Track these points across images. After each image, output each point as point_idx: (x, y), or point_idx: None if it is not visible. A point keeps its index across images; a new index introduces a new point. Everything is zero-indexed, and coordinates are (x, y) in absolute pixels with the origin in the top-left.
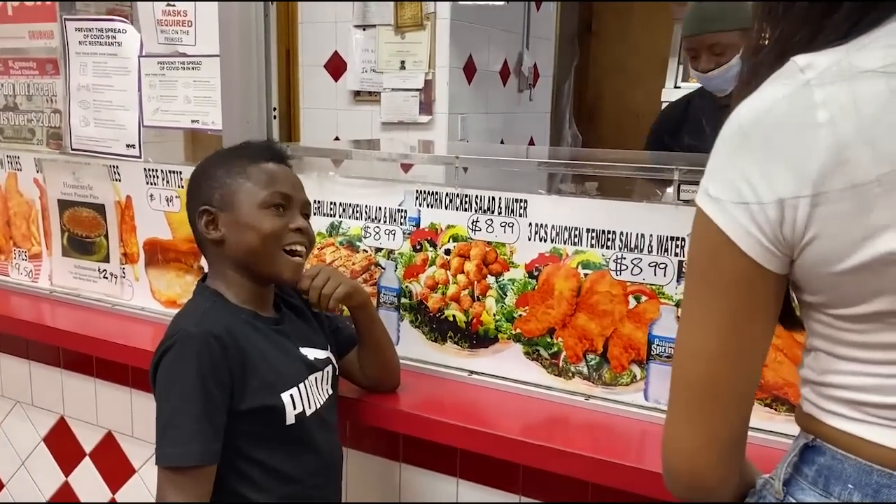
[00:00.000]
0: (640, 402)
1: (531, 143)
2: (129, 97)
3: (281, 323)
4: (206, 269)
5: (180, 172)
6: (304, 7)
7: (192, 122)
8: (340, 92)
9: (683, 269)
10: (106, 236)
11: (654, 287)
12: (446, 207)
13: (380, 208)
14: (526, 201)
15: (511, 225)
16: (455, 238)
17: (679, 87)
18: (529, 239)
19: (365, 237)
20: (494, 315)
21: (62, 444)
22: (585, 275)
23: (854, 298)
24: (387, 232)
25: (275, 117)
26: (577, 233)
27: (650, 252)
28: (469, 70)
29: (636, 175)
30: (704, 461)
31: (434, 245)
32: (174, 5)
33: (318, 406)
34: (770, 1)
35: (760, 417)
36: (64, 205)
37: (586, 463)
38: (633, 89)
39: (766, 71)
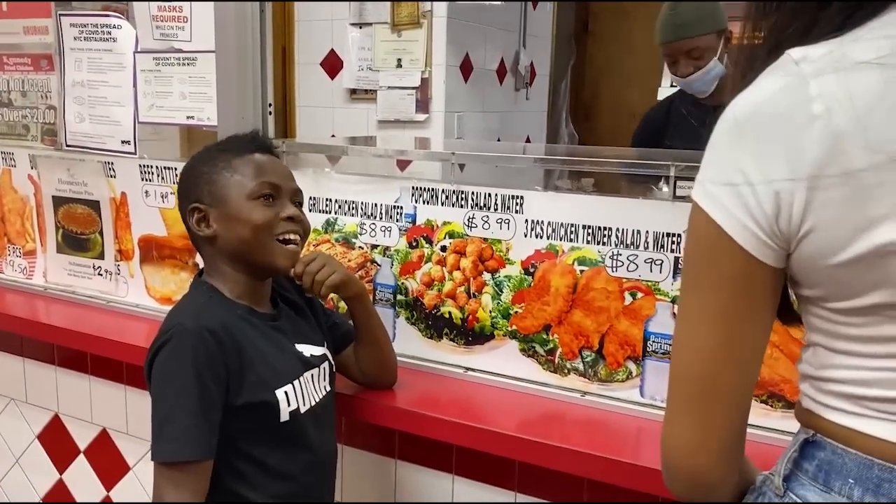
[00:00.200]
0: (636, 399)
1: (527, 141)
2: (125, 93)
3: (277, 319)
4: (201, 266)
5: (175, 169)
6: (301, 5)
7: (188, 118)
8: (337, 90)
9: (679, 266)
10: (101, 233)
11: (649, 283)
12: (442, 204)
13: (376, 205)
14: (522, 198)
15: (507, 221)
16: (451, 235)
17: (675, 87)
18: (525, 235)
19: (361, 234)
20: (490, 312)
21: (56, 441)
22: (581, 271)
23: (852, 291)
24: (383, 229)
25: (270, 114)
26: (573, 229)
27: (646, 248)
28: (465, 68)
29: (632, 172)
30: (704, 458)
31: (430, 242)
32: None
33: (314, 403)
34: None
35: (757, 414)
36: (58, 201)
37: (582, 459)
38: (629, 89)
39: (761, 64)
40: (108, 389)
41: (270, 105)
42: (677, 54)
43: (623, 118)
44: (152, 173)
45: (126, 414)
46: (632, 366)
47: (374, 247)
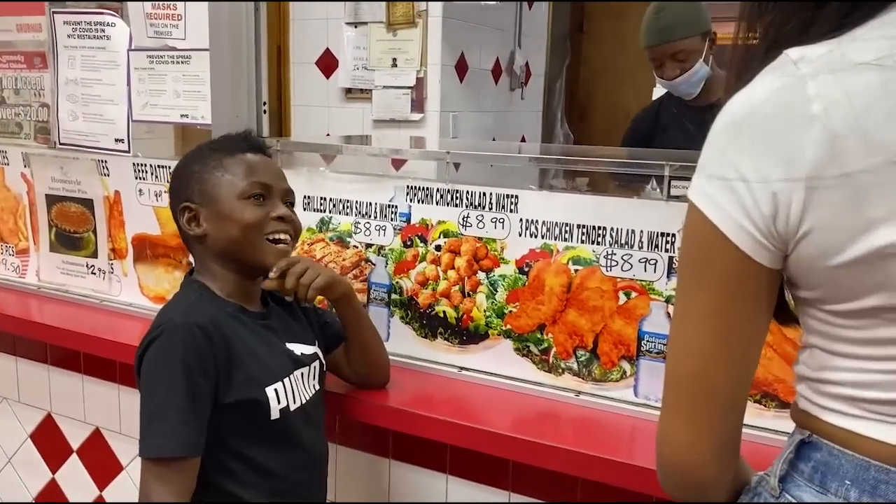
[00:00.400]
0: (630, 399)
1: (522, 141)
2: (118, 91)
3: (268, 318)
4: (192, 266)
5: (169, 167)
6: (296, 4)
7: (182, 116)
8: (332, 89)
9: (674, 265)
10: (94, 231)
11: (644, 283)
12: (437, 203)
13: (370, 204)
14: (517, 197)
15: (502, 221)
16: (446, 234)
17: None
18: (520, 235)
19: (355, 233)
20: (485, 311)
21: (49, 441)
22: (576, 271)
23: (850, 294)
24: (377, 228)
25: (265, 112)
26: (567, 229)
27: (640, 248)
28: (461, 68)
29: (627, 171)
30: (697, 457)
31: (425, 241)
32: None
33: (304, 402)
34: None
35: (750, 414)
36: (52, 200)
37: (576, 459)
38: (624, 89)
39: (758, 64)
40: (101, 389)
41: (265, 104)
42: (662, 57)
43: (618, 118)
44: (146, 172)
45: (119, 413)
46: (626, 365)
47: (368, 246)
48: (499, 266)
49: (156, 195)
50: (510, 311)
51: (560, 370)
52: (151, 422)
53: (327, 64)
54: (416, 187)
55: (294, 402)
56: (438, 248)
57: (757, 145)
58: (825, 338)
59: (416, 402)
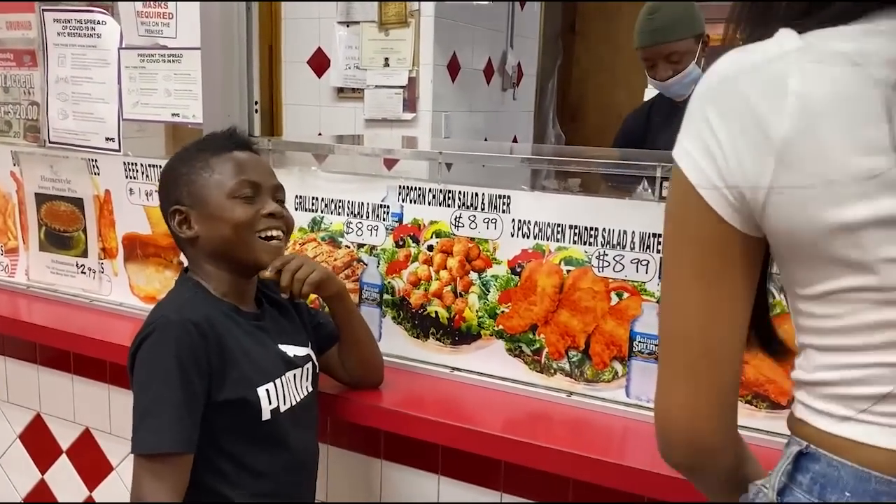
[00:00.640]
0: (622, 399)
1: (514, 141)
2: (109, 90)
3: (261, 319)
4: (185, 264)
5: (160, 167)
6: (287, 3)
7: (173, 115)
8: (324, 88)
9: None
10: (84, 231)
11: (636, 284)
12: (429, 203)
13: (362, 204)
14: (509, 197)
15: (494, 221)
16: (438, 234)
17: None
18: (512, 235)
19: (347, 233)
20: (477, 311)
21: (38, 441)
22: (568, 271)
23: (825, 272)
24: (369, 227)
25: (256, 112)
26: (559, 229)
27: (632, 249)
28: (453, 68)
29: (619, 172)
30: (696, 415)
31: (417, 241)
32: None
33: (294, 403)
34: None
35: (742, 414)
36: (41, 198)
37: (568, 460)
38: (616, 89)
39: (749, 40)
40: (91, 389)
41: (256, 103)
42: (656, 58)
43: (610, 119)
44: (137, 171)
45: (109, 414)
46: (618, 366)
47: (360, 246)
48: (491, 266)
49: (146, 194)
50: (502, 312)
51: (552, 371)
52: (145, 418)
53: (319, 63)
54: (408, 187)
55: (285, 404)
56: (431, 248)
57: (733, 109)
58: (815, 333)
59: (407, 403)
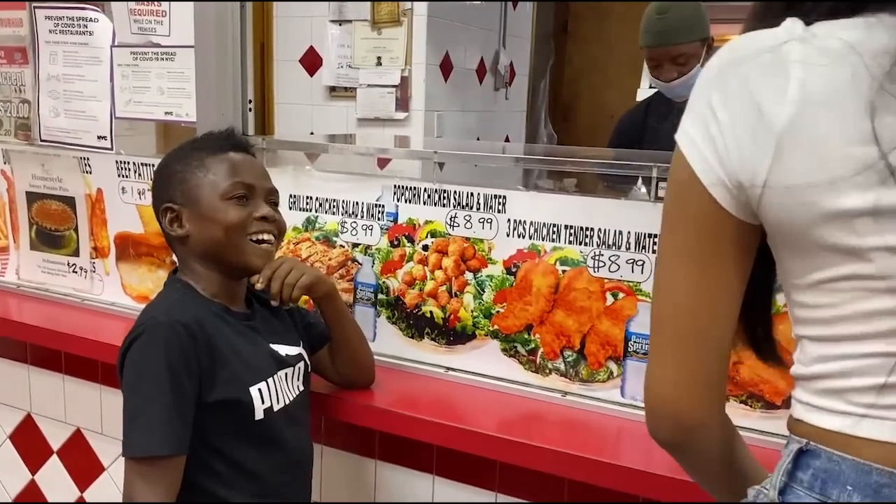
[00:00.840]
0: (617, 399)
1: (506, 141)
2: (101, 88)
3: (252, 318)
4: (178, 264)
5: (153, 165)
6: (280, 2)
7: (166, 113)
8: (316, 87)
9: None
10: (76, 230)
11: (631, 284)
12: (424, 203)
13: (357, 203)
14: (504, 197)
15: (489, 221)
16: (433, 234)
17: (653, 88)
18: (508, 235)
19: (342, 232)
20: (472, 311)
21: (29, 441)
22: (563, 271)
23: (819, 260)
24: (364, 227)
25: (250, 111)
26: (555, 229)
27: (628, 249)
28: (445, 67)
29: (615, 173)
30: (682, 393)
31: (412, 241)
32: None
33: (287, 402)
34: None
35: (736, 414)
36: (32, 197)
37: (562, 459)
38: (608, 89)
39: (760, 25)
40: (82, 389)
41: (250, 102)
42: (662, 59)
43: (602, 118)
44: (129, 169)
45: (101, 414)
46: (613, 366)
47: (355, 245)
48: (486, 266)
49: (139, 193)
50: (497, 312)
51: (547, 371)
52: (135, 420)
53: (311, 62)
54: (403, 187)
55: (278, 403)
56: (426, 248)
57: (735, 94)
58: (810, 324)
59: (402, 403)
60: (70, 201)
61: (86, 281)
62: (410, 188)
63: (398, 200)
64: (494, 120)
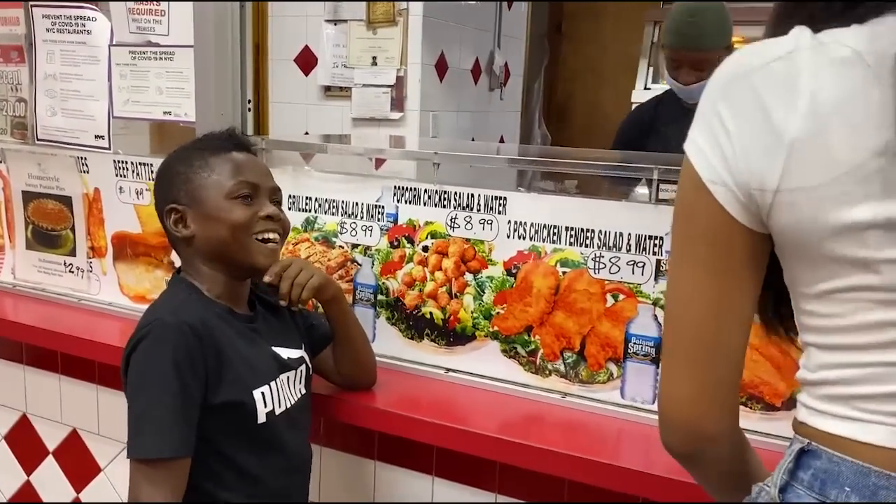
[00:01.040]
0: (617, 400)
1: (501, 141)
2: (99, 87)
3: (255, 321)
4: (176, 264)
5: (151, 165)
6: (276, 1)
7: (165, 113)
8: (311, 87)
9: (661, 268)
10: (72, 229)
11: (631, 286)
12: (425, 204)
13: (356, 204)
14: (505, 199)
15: (490, 222)
16: (433, 235)
17: (649, 89)
18: (508, 236)
19: (341, 233)
20: (472, 312)
21: (24, 442)
22: (564, 273)
23: (828, 271)
24: (364, 228)
25: (249, 110)
26: (555, 231)
27: (628, 251)
28: (441, 67)
29: (617, 175)
30: (696, 402)
31: (412, 242)
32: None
33: (289, 406)
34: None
35: None
36: (28, 196)
37: (562, 460)
38: (602, 90)
39: (778, 31)
40: (79, 389)
41: (250, 102)
42: (684, 61)
43: (596, 119)
44: (127, 169)
45: (97, 414)
46: (613, 367)
47: (354, 246)
48: (486, 268)
49: (137, 193)
50: (497, 313)
51: (547, 372)
52: (141, 422)
53: (306, 61)
54: (403, 188)
55: (280, 406)
56: (426, 249)
57: (744, 105)
58: (817, 332)
59: (402, 404)
60: (67, 201)
61: (82, 281)
62: (410, 189)
63: (398, 201)
64: (489, 120)
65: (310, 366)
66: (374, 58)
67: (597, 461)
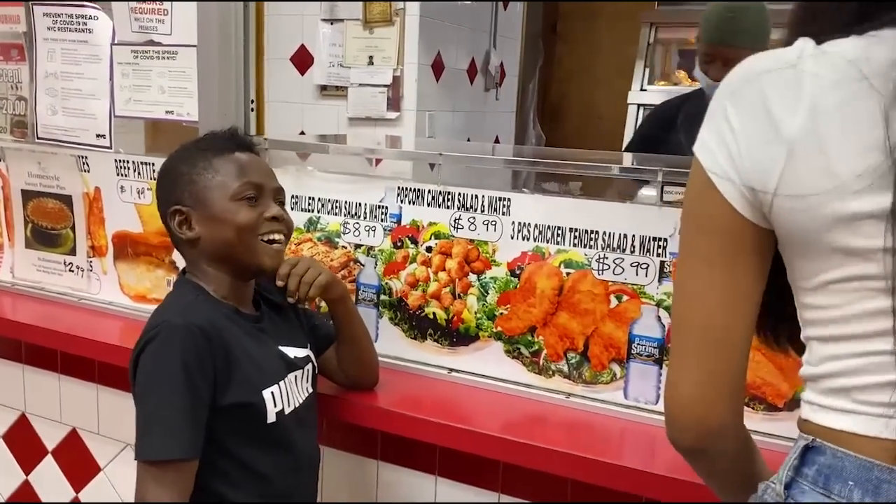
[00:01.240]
0: (620, 401)
1: (496, 142)
2: (100, 86)
3: (261, 320)
4: (177, 264)
5: (152, 164)
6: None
7: (167, 112)
8: (307, 86)
9: (665, 270)
10: (73, 228)
11: (635, 287)
12: (428, 205)
13: (360, 204)
14: (509, 199)
15: (494, 223)
16: (437, 235)
17: (645, 90)
18: (512, 237)
19: (344, 233)
20: (476, 313)
21: (23, 441)
22: (567, 274)
23: (827, 263)
24: (367, 228)
25: (252, 110)
26: (559, 232)
27: (632, 252)
28: (437, 67)
29: (623, 177)
30: (700, 398)
31: (415, 242)
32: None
33: (297, 405)
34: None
35: None
36: (28, 195)
37: (565, 460)
38: (596, 90)
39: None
40: (78, 389)
41: (252, 101)
42: (718, 57)
43: (590, 119)
44: (128, 168)
45: (97, 414)
46: (616, 368)
47: (357, 246)
48: (490, 268)
49: (138, 192)
50: (501, 314)
51: (550, 372)
52: (149, 423)
53: (302, 60)
54: (407, 188)
55: (289, 406)
56: (429, 249)
57: (750, 105)
58: (817, 325)
59: (405, 404)
60: (67, 200)
61: (82, 280)
62: (414, 190)
63: (402, 202)
64: (484, 120)
65: (315, 365)
66: (371, 57)
67: (600, 461)
